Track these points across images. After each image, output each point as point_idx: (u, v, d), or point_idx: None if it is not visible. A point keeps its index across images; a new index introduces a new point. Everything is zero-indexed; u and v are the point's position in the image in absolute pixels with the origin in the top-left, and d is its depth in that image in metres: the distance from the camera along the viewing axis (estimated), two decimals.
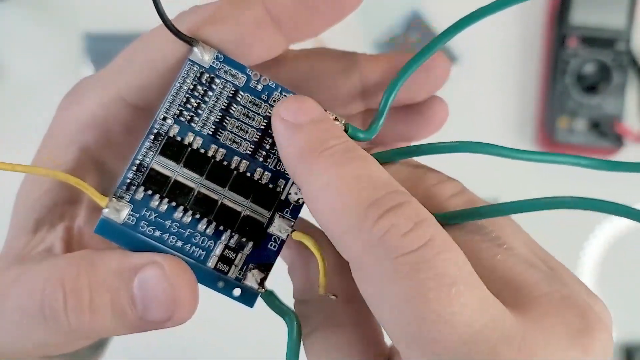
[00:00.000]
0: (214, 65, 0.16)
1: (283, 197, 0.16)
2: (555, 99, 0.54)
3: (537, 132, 0.56)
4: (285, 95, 0.16)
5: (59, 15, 0.57)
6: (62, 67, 0.56)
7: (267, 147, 0.16)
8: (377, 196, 0.13)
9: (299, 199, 0.16)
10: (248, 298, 0.16)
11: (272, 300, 0.16)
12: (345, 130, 0.16)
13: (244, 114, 0.16)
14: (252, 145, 0.16)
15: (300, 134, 0.15)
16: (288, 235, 0.16)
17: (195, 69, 0.16)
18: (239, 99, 0.16)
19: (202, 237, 0.16)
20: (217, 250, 0.16)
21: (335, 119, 0.16)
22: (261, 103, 0.16)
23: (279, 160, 0.16)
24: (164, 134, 0.16)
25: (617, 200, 0.54)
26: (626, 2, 0.53)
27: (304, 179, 0.14)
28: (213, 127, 0.16)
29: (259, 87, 0.16)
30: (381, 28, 0.56)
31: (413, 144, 0.18)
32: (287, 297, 0.17)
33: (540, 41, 0.57)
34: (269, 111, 0.16)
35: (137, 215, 0.16)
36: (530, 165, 0.60)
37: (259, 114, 0.16)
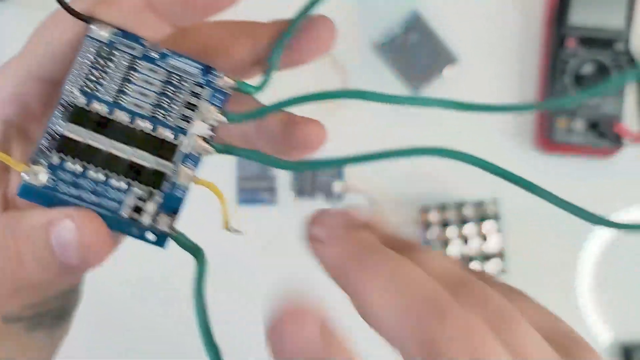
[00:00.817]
0: (112, 40, 0.18)
1: (184, 151, 0.18)
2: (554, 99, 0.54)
3: (536, 132, 0.56)
4: (179, 61, 0.18)
5: None
6: None
7: (166, 106, 0.18)
8: (432, 299, 0.14)
9: (198, 152, 0.18)
10: (161, 241, 0.18)
11: (182, 241, 0.18)
12: (237, 89, 0.18)
13: (143, 80, 0.18)
14: (152, 107, 0.18)
15: (333, 248, 0.17)
16: (191, 182, 0.18)
17: (94, 44, 0.17)
18: (137, 68, 0.18)
19: (115, 192, 0.18)
20: (130, 202, 0.18)
21: (227, 75, 0.18)
22: (158, 69, 0.18)
23: (179, 118, 0.18)
24: (72, 104, 0.18)
25: (615, 202, 0.52)
26: (625, 3, 0.53)
27: (350, 292, 0.16)
28: (116, 94, 0.18)
29: (155, 55, 0.18)
30: (380, 29, 0.56)
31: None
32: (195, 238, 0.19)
33: (539, 41, 0.57)
34: (165, 76, 0.18)
35: (55, 177, 0.18)
36: (529, 168, 0.60)
37: (157, 79, 0.18)
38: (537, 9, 0.57)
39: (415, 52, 0.56)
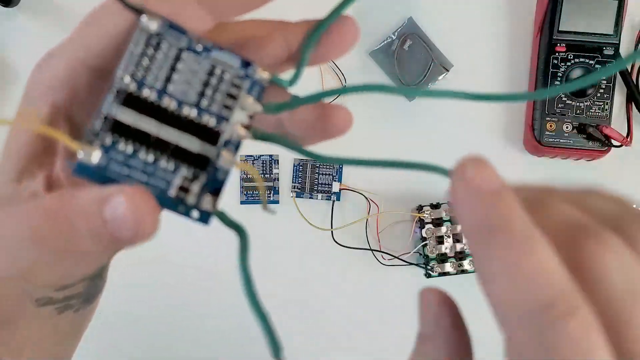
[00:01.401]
0: (160, 31, 0.19)
1: (226, 136, 0.19)
2: (544, 103, 0.54)
3: (526, 134, 0.56)
4: (221, 54, 0.19)
5: (69, 21, 0.57)
6: None
7: (210, 95, 0.19)
8: (554, 297, 0.14)
9: (240, 139, 0.19)
10: (204, 218, 0.19)
11: (224, 218, 0.19)
12: (272, 80, 0.20)
13: (189, 70, 0.19)
14: (197, 95, 0.19)
15: (480, 206, 0.16)
16: (233, 166, 0.19)
17: (144, 34, 0.18)
18: (183, 58, 0.19)
19: (163, 172, 0.19)
20: (177, 182, 0.19)
21: (264, 69, 0.19)
22: (202, 60, 0.19)
23: (221, 106, 0.19)
24: (123, 90, 0.19)
25: None
26: (614, 9, 0.53)
27: (478, 258, 0.16)
28: (164, 82, 0.19)
29: (199, 48, 0.19)
30: (376, 36, 0.57)
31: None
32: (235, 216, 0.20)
33: (530, 47, 0.57)
34: (209, 67, 0.19)
35: (107, 157, 0.19)
36: (518, 170, 0.60)
37: (201, 70, 0.19)
38: (528, 16, 0.58)
39: (410, 58, 0.57)
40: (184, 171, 0.19)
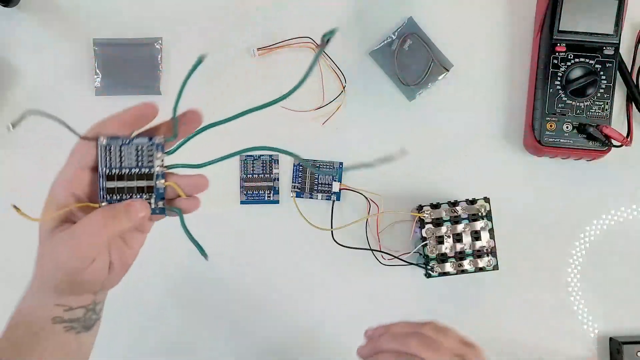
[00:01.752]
0: (108, 142, 0.37)
1: (156, 173, 0.38)
2: (544, 103, 0.55)
3: (526, 134, 0.56)
4: (139, 139, 0.37)
5: (69, 22, 0.58)
6: (72, 70, 0.57)
7: (140, 158, 0.37)
8: None
9: (162, 172, 0.37)
10: (162, 212, 0.38)
11: (170, 210, 0.38)
12: (167, 141, 0.38)
13: (127, 152, 0.37)
14: (136, 161, 0.36)
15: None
16: (166, 185, 0.38)
17: (102, 146, 0.37)
18: (123, 149, 0.37)
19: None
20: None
21: (160, 138, 0.38)
22: (131, 146, 0.37)
23: (148, 161, 0.37)
24: (104, 174, 0.37)
25: (603, 203, 0.53)
26: (614, 9, 0.54)
27: None
28: (119, 162, 0.37)
29: (127, 141, 0.38)
30: (377, 36, 0.57)
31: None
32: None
33: (530, 47, 0.57)
34: (135, 146, 0.37)
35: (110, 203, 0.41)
36: (518, 170, 0.60)
37: (132, 150, 0.37)
38: (528, 16, 0.58)
39: (411, 58, 0.57)
40: (144, 196, 0.38)
